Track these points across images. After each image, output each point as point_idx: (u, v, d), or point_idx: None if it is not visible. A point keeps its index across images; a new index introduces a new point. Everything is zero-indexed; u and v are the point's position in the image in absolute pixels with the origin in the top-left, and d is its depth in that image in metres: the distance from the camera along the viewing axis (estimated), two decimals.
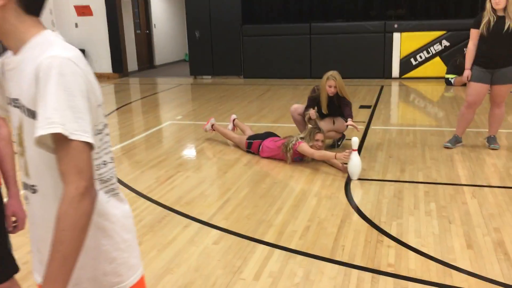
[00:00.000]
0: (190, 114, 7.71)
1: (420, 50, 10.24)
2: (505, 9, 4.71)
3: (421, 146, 5.37)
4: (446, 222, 3.44)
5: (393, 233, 3.30)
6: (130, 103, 8.83)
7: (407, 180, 4.33)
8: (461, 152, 5.10)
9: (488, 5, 4.79)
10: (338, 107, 5.12)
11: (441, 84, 9.61)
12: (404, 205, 3.77)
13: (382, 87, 9.51)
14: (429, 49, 10.19)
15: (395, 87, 9.81)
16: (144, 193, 4.22)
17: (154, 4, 14.68)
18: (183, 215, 3.73)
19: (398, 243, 3.17)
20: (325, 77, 5.00)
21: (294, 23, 10.96)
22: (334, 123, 5.22)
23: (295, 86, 9.87)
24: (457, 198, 3.87)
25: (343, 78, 5.03)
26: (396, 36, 10.30)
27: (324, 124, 5.14)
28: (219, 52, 11.43)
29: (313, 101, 5.21)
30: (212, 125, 5.85)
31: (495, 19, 4.75)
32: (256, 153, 5.21)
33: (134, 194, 4.19)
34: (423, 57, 10.27)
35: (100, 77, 12.43)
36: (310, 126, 5.00)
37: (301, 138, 4.86)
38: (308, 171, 4.67)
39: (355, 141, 4.36)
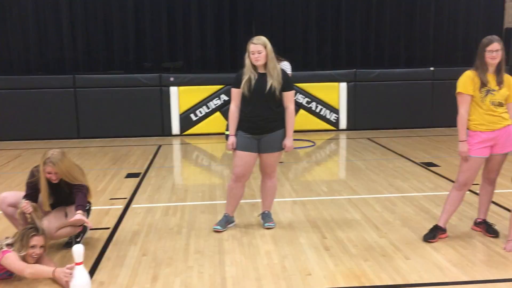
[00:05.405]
0: None
1: (199, 104, 9.56)
2: (265, 65, 4.03)
3: (187, 231, 4.30)
4: None
5: None
6: None
7: None
8: (232, 236, 4.16)
9: (247, 61, 4.06)
10: (69, 194, 3.74)
11: (222, 140, 8.98)
12: None
13: (159, 147, 8.43)
14: (208, 104, 9.58)
15: (176, 145, 8.84)
16: None
17: None
18: None
19: None
20: (42, 160, 3.60)
21: (54, 75, 9.34)
22: (67, 215, 3.79)
23: None
24: None
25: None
26: (174, 90, 9.43)
27: (51, 220, 3.69)
28: None
29: (33, 189, 3.72)
30: None
31: (256, 77, 4.03)
32: None
33: None
34: (203, 112, 9.59)
35: None
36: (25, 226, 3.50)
37: (8, 244, 3.32)
38: None
39: (77, 251, 3.01)
